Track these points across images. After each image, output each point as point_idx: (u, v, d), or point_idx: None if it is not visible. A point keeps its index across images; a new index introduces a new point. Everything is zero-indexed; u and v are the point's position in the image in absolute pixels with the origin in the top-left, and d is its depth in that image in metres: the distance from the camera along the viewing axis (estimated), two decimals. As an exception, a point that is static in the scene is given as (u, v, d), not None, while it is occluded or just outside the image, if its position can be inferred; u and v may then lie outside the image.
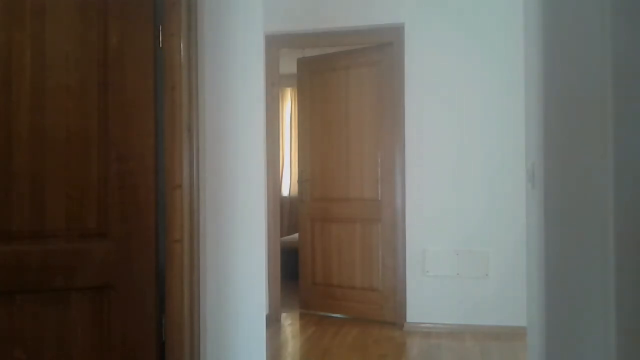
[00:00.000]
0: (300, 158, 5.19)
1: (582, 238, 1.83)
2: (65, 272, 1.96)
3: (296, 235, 6.06)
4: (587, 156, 1.83)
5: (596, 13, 1.81)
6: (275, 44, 4.77)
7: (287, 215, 7.48)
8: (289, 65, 5.87)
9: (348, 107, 4.87)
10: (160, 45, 2.10)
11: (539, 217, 1.98)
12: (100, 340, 1.99)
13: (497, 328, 4.28)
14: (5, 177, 1.90)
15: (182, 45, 2.11)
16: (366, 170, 4.77)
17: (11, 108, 1.91)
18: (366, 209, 4.77)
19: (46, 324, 1.94)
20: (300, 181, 5.16)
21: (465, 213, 4.39)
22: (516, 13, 4.06)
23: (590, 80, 1.82)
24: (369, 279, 4.75)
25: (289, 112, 7.73)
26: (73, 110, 1.97)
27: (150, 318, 2.05)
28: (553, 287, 1.86)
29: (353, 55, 4.87)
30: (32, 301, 1.93)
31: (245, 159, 2.38)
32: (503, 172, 4.31)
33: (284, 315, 4.94)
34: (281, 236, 5.38)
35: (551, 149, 1.86)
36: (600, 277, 1.81)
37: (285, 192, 7.56)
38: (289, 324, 4.74)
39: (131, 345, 2.02)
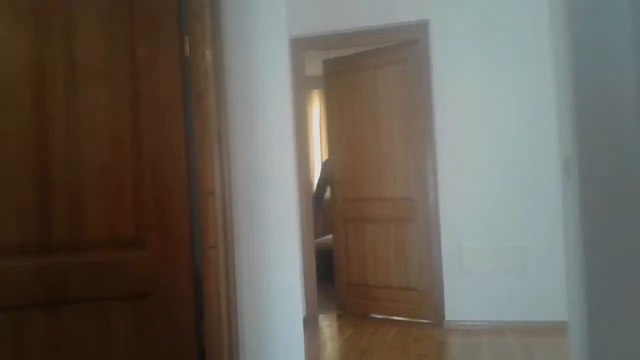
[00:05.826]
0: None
1: (620, 230, 1.79)
2: (105, 282, 1.99)
3: (330, 236, 6.06)
4: (622, 148, 1.78)
5: (626, 1, 1.77)
6: (300, 46, 4.78)
7: (321, 217, 7.49)
8: (314, 67, 5.88)
9: (376, 106, 4.85)
10: (187, 54, 2.12)
11: (575, 211, 1.94)
12: (141, 349, 2.02)
13: (536, 323, 4.21)
14: (43, 189, 1.95)
15: (208, 52, 2.14)
16: (398, 169, 4.75)
17: (46, 122, 1.95)
18: (399, 208, 4.74)
19: (88, 334, 1.97)
20: (332, 182, 5.16)
21: (500, 209, 4.33)
22: (543, 3, 3.99)
23: (622, 71, 1.78)
24: (405, 278, 4.72)
25: (317, 114, 7.74)
26: (106, 122, 2.00)
27: (190, 324, 2.07)
28: (594, 281, 1.82)
29: (378, 54, 4.85)
30: (74, 312, 1.97)
31: (275, 163, 2.39)
32: (537, 167, 4.24)
33: (321, 317, 4.95)
34: (315, 238, 5.39)
35: (586, 143, 1.82)
36: (642, 268, 1.77)
37: (317, 193, 7.57)
38: (327, 325, 4.75)
39: (172, 352, 2.04)
